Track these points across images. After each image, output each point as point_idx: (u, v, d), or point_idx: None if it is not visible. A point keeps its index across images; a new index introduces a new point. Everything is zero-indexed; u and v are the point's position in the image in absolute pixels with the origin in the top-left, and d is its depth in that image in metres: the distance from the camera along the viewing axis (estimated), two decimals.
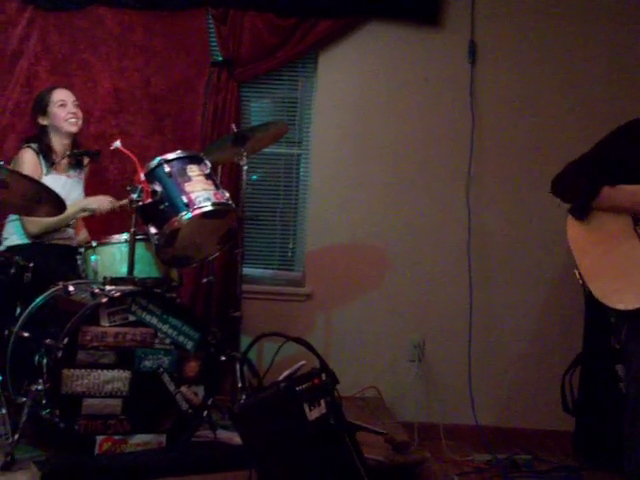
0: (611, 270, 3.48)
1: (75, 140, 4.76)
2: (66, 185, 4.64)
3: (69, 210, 4.41)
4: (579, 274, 3.58)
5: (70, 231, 4.72)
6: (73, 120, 4.68)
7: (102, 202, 4.58)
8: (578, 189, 3.57)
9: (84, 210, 4.57)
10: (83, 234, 4.87)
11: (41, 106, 4.69)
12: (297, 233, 5.80)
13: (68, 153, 4.61)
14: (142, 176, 3.97)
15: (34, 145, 4.61)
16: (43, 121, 4.68)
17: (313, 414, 3.31)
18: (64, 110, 4.66)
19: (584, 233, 3.59)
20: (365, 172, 5.67)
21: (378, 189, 5.67)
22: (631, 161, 3.52)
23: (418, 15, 5.65)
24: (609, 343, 4.90)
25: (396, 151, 5.67)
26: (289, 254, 5.84)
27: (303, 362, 3.48)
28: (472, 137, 5.60)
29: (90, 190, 4.91)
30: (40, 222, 4.46)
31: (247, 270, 5.40)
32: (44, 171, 4.57)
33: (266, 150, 5.28)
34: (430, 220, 5.66)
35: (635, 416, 3.45)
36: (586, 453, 5.12)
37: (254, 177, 5.78)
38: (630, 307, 3.39)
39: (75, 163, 4.75)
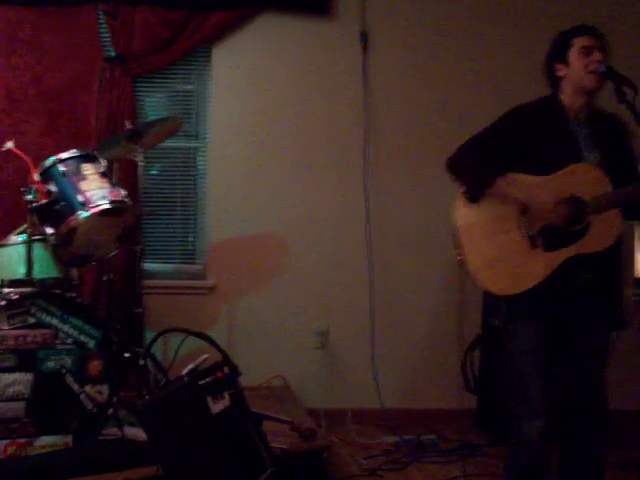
0: (490, 254, 3.59)
1: None
2: None
3: None
4: (458, 253, 3.68)
5: None
6: None
7: None
8: (473, 175, 3.67)
9: None
10: None
11: None
12: (198, 226, 5.79)
13: None
14: (36, 176, 3.94)
15: None
16: None
17: (217, 407, 3.35)
18: None
19: (471, 214, 3.68)
20: (263, 163, 5.70)
21: (277, 179, 5.71)
22: (524, 148, 3.62)
23: (310, 5, 5.70)
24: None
25: (293, 141, 5.72)
26: (190, 247, 5.84)
27: (205, 356, 3.50)
28: (367, 125, 5.68)
29: None
30: None
31: (148, 265, 5.41)
32: None
33: (163, 144, 5.26)
34: (330, 209, 5.73)
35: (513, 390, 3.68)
36: (488, 430, 5.27)
37: (154, 171, 5.76)
38: (502, 293, 3.57)
39: None
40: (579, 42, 3.62)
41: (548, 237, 3.52)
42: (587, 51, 3.59)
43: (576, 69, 3.61)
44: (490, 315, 5.27)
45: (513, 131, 3.66)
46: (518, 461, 3.66)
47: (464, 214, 3.70)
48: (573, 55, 3.62)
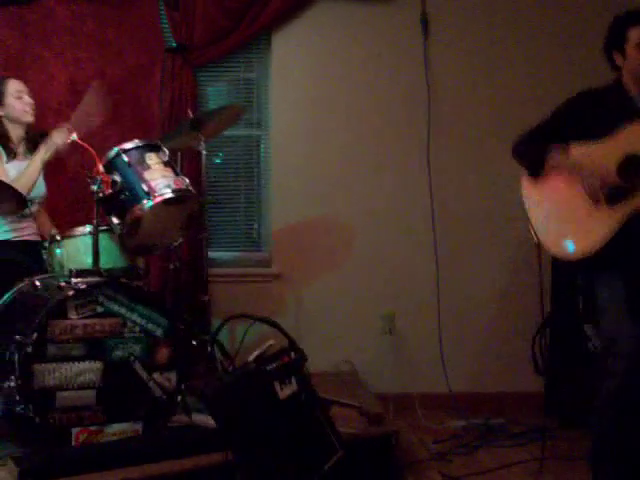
0: (560, 223, 3.74)
1: (28, 126, 4.72)
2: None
3: (36, 160, 4.46)
4: (532, 229, 3.83)
5: (34, 226, 4.71)
6: (31, 111, 4.66)
7: (60, 134, 4.49)
8: (531, 151, 3.80)
9: (48, 150, 4.48)
10: (48, 228, 4.85)
11: None
12: (262, 214, 5.81)
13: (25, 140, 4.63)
14: (101, 167, 3.98)
15: None
16: None
17: (284, 392, 3.35)
18: (21, 102, 4.61)
19: (536, 189, 3.83)
20: (325, 149, 5.69)
21: (340, 165, 5.69)
22: (587, 129, 3.67)
23: None
24: (577, 304, 4.99)
25: (355, 127, 5.70)
26: (255, 235, 5.86)
27: (272, 341, 3.51)
28: (429, 110, 5.63)
29: (51, 182, 4.88)
30: (23, 182, 4.39)
31: (214, 254, 5.45)
32: (5, 160, 4.55)
33: (226, 133, 5.28)
34: (393, 194, 5.70)
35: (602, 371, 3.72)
36: (558, 413, 5.21)
37: (218, 160, 5.78)
38: (577, 255, 3.64)
39: (32, 147, 4.71)
40: (635, 34, 3.64)
41: (610, 193, 3.57)
42: None
43: (633, 62, 3.66)
44: (560, 296, 5.23)
45: (575, 114, 3.74)
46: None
47: (529, 189, 3.86)
48: (630, 48, 3.65)
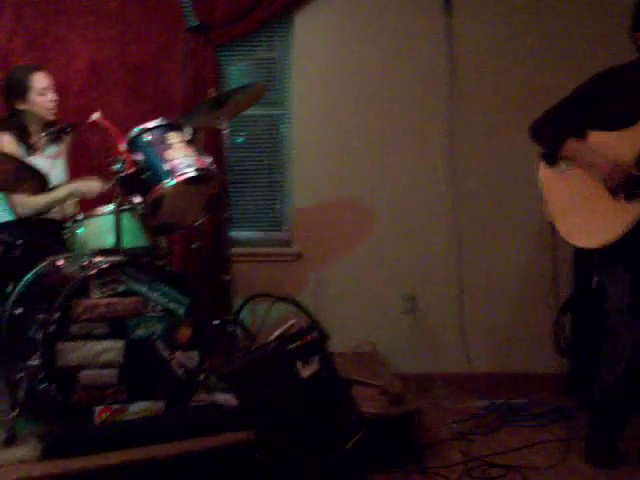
0: (576, 210, 3.77)
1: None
2: (46, 165, 4.58)
3: (58, 193, 4.45)
4: (548, 213, 3.90)
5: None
6: (54, 109, 4.62)
7: (92, 186, 4.53)
8: (547, 137, 3.85)
9: (73, 194, 4.53)
10: (70, 207, 4.85)
11: (19, 90, 4.55)
12: (283, 193, 5.81)
13: (43, 134, 4.57)
14: (123, 147, 3.98)
15: (10, 129, 4.56)
16: (20, 106, 4.56)
17: (306, 371, 3.36)
18: (46, 98, 4.57)
19: (553, 174, 3.87)
20: (347, 129, 5.67)
21: (362, 145, 5.67)
22: (606, 108, 3.72)
23: None
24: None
25: (376, 106, 5.67)
26: (276, 215, 5.86)
27: (293, 321, 3.51)
28: (451, 89, 5.60)
29: (73, 164, 4.89)
30: (29, 203, 4.43)
31: (235, 233, 5.43)
32: (23, 155, 4.51)
33: (247, 112, 5.27)
34: (414, 173, 5.67)
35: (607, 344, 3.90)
36: (579, 394, 5.18)
37: (240, 140, 5.78)
38: (591, 245, 3.72)
39: (51, 141, 4.69)
40: None
41: (628, 187, 3.59)
42: None
43: None
44: (582, 276, 5.19)
45: (596, 91, 3.77)
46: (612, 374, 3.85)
47: (547, 174, 3.91)
48: None
